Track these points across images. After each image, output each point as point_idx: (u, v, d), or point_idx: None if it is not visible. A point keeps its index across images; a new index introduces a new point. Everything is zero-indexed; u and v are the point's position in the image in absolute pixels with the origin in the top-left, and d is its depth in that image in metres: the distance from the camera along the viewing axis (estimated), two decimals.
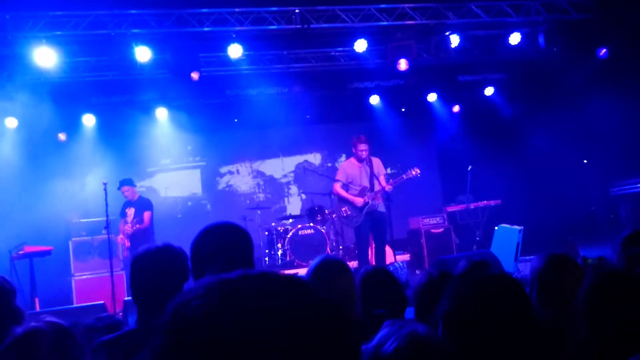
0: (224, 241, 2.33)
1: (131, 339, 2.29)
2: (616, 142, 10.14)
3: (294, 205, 12.01)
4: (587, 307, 1.99)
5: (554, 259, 2.71)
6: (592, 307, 1.99)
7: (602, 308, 1.95)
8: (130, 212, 9.14)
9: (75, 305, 8.59)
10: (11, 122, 9.30)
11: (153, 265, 2.39)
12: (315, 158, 12.26)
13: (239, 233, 2.40)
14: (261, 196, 11.93)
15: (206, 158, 11.77)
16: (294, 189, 12.08)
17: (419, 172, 8.12)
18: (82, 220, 9.73)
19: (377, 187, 8.05)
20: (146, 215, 9.08)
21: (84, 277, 9.16)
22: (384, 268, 3.43)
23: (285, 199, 12.07)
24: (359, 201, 8.07)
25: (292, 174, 12.11)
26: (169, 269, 2.41)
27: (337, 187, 8.31)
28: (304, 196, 11.43)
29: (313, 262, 2.92)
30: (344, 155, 11.72)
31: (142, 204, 9.27)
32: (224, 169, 11.91)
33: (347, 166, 8.38)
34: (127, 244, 8.94)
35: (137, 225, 8.91)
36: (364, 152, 8.01)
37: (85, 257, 9.25)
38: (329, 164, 12.19)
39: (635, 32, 9.07)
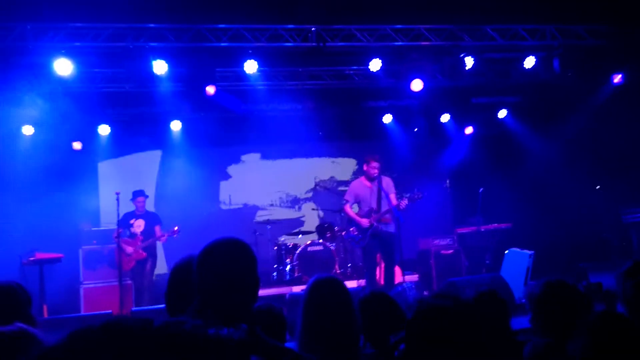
0: (226, 261, 2.24)
1: None
2: (629, 168, 10.09)
3: (304, 222, 11.99)
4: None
5: (549, 285, 2.68)
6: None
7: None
8: (139, 223, 9.30)
9: (82, 313, 8.62)
10: (28, 130, 9.43)
11: (190, 276, 2.41)
12: (325, 174, 12.25)
13: (240, 250, 2.30)
14: (271, 210, 11.91)
15: (216, 172, 11.80)
16: (305, 206, 12.07)
17: (421, 196, 8.01)
18: (93, 228, 9.81)
19: (384, 208, 7.99)
20: (158, 229, 9.33)
21: (93, 285, 9.21)
22: (382, 292, 3.44)
23: (295, 215, 12.05)
24: (364, 222, 8.03)
25: (301, 190, 12.10)
26: None
27: (347, 207, 8.32)
28: (317, 212, 11.38)
29: (307, 283, 2.95)
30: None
31: (153, 218, 9.50)
32: (234, 182, 11.93)
33: (356, 186, 8.35)
34: (144, 254, 9.11)
35: (161, 238, 9.22)
36: (374, 171, 7.99)
37: (95, 265, 9.31)
38: (345, 179, 12.17)
39: None
